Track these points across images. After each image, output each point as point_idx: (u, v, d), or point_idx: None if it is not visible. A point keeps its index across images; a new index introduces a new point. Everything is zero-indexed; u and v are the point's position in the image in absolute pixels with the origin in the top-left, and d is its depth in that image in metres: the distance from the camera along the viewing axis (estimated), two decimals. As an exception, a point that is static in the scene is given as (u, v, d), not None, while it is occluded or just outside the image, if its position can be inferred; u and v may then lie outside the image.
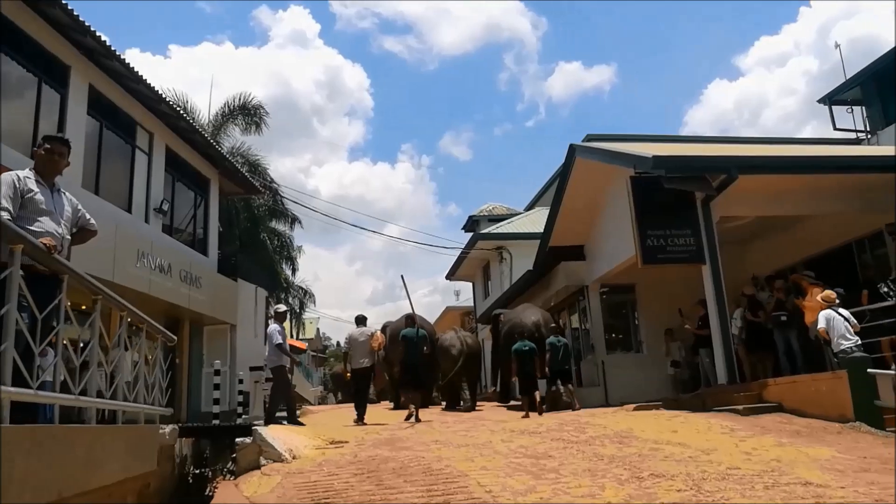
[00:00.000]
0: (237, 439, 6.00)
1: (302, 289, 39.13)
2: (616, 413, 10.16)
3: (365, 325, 11.91)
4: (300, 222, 33.42)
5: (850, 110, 22.76)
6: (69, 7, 10.83)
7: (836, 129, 22.82)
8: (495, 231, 26.07)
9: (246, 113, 27.38)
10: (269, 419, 9.92)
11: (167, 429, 5.43)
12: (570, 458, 6.43)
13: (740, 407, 9.15)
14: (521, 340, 13.20)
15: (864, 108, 21.65)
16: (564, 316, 19.12)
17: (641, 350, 16.52)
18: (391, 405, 18.30)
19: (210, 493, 6.10)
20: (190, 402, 16.46)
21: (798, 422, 8.42)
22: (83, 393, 3.94)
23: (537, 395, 12.63)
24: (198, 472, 6.40)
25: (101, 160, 13.01)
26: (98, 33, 11.56)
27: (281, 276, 34.13)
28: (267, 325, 22.59)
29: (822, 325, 9.23)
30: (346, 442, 8.28)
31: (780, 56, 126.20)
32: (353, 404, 11.98)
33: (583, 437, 7.68)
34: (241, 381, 13.64)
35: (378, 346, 11.52)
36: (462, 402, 17.11)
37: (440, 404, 17.08)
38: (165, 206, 14.84)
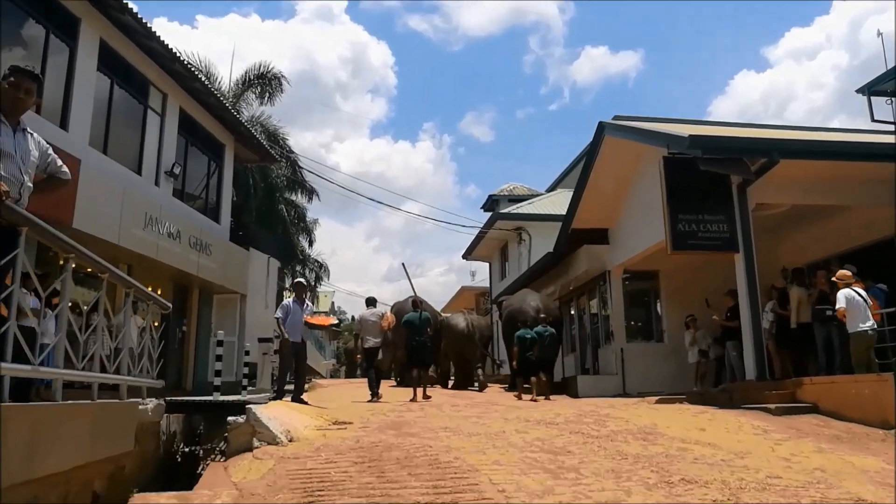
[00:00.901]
0: (229, 418, 5.52)
1: (318, 262, 38.87)
2: (638, 406, 9.59)
3: (375, 307, 12.16)
4: (318, 195, 33.01)
5: (890, 101, 21.77)
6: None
7: (874, 120, 21.80)
8: (515, 211, 25.41)
9: (265, 82, 26.87)
10: (280, 393, 9.84)
11: (150, 404, 4.94)
12: (590, 456, 5.89)
13: (772, 406, 8.55)
14: (524, 328, 13.72)
15: (905, 99, 20.61)
16: (584, 301, 18.54)
17: (663, 339, 15.93)
18: (395, 381, 18.26)
19: (201, 474, 5.64)
20: (197, 373, 16.12)
21: (836, 426, 7.81)
22: (47, 363, 3.44)
23: (536, 380, 13.11)
24: (188, 450, 5.94)
25: (110, 119, 12.56)
26: (109, -17, 11.06)
27: (297, 248, 33.82)
28: (280, 297, 22.33)
29: (841, 304, 8.75)
30: (350, 423, 7.79)
31: (811, 48, 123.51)
32: (360, 379, 12.33)
33: (604, 432, 7.13)
34: (247, 353, 13.21)
35: (388, 325, 11.66)
36: (476, 383, 16.93)
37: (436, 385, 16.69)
38: (177, 170, 14.39)
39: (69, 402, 3.47)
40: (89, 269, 5.12)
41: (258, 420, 5.53)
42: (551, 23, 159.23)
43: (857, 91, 22.24)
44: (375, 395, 11.37)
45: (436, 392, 13.83)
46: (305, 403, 9.28)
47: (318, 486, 4.69)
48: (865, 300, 8.72)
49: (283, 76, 27.07)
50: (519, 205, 26.43)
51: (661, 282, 16.02)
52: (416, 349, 12.24)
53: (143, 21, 12.18)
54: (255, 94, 27.13)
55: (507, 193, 29.93)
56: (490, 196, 30.40)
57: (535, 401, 12.20)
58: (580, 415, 8.39)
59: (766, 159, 9.94)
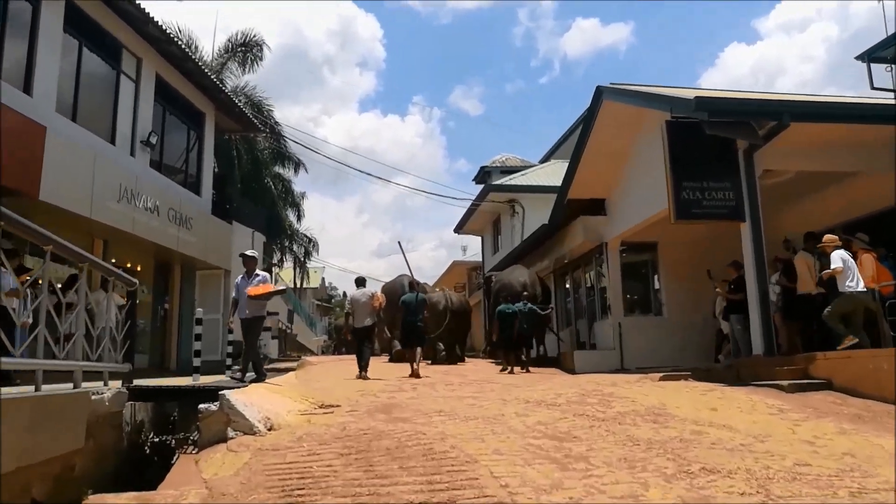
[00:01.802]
0: (200, 406, 4.94)
1: (307, 237, 38.20)
2: (642, 384, 9.10)
3: (365, 287, 12.13)
4: (305, 167, 32.31)
5: (889, 68, 21.20)
6: None
7: (873, 88, 21.25)
8: (508, 183, 24.76)
9: (246, 49, 26.01)
10: (248, 375, 9.19)
11: (106, 393, 4.37)
12: (599, 442, 5.38)
13: (784, 383, 8.07)
14: (505, 304, 14.41)
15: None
16: (580, 274, 18.03)
17: (662, 313, 15.46)
18: (387, 358, 17.89)
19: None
20: (181, 352, 15.57)
21: (854, 403, 7.35)
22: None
23: (515, 354, 13.76)
24: (158, 440, 5.39)
25: (79, 84, 11.81)
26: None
27: (285, 223, 33.12)
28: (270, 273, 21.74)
29: (837, 264, 8.68)
30: (338, 406, 7.26)
31: (802, 21, 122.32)
32: (350, 356, 12.87)
33: (610, 413, 6.63)
34: (230, 331, 12.63)
35: (379, 305, 11.67)
36: (442, 355, 17.38)
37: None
38: (154, 139, 13.67)
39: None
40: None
41: (232, 408, 4.97)
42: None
43: (857, 58, 21.57)
44: (364, 371, 11.32)
45: (428, 369, 13.47)
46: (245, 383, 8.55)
47: (299, 484, 4.16)
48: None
49: (265, 43, 26.20)
50: (512, 176, 25.76)
51: (659, 253, 15.52)
52: (411, 329, 12.46)
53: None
54: (238, 61, 26.28)
55: (499, 165, 29.20)
56: (482, 168, 29.66)
57: (511, 373, 12.90)
58: (582, 394, 7.89)
59: (776, 122, 9.37)
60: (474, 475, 4.34)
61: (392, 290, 16.84)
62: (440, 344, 17.65)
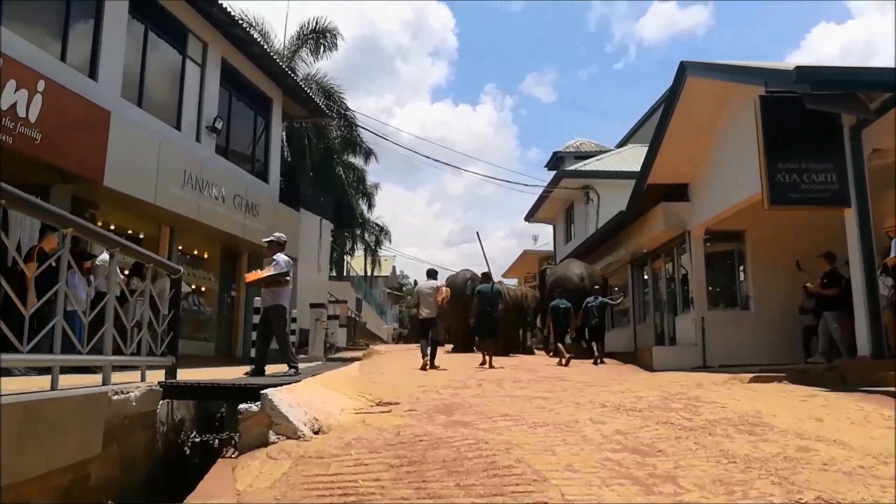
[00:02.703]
0: (240, 406, 4.48)
1: (378, 226, 38.20)
2: (730, 386, 8.25)
3: (434, 279, 12.47)
4: (375, 156, 32.22)
5: None
6: None
7: None
8: (582, 168, 23.80)
9: (318, 36, 25.89)
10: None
11: (133, 391, 3.95)
12: (687, 457, 4.66)
13: (900, 390, 7.09)
14: (559, 298, 15.01)
15: None
16: (659, 265, 17.04)
17: (748, 307, 14.35)
18: (450, 348, 17.94)
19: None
20: (247, 340, 15.48)
21: None
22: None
23: (564, 346, 14.00)
24: (199, 440, 4.98)
25: (145, 69, 11.71)
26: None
27: (356, 212, 33.12)
28: (340, 261, 21.51)
29: None
30: (396, 404, 6.76)
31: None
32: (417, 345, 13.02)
33: (697, 422, 5.87)
34: (294, 320, 12.38)
35: (442, 300, 11.89)
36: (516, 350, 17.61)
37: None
38: (219, 125, 13.51)
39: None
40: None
41: (275, 409, 4.50)
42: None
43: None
44: (429, 359, 11.53)
45: (497, 363, 12.98)
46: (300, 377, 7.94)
47: (340, 500, 3.64)
48: None
49: (337, 31, 26.03)
50: (586, 161, 24.78)
51: (747, 242, 14.41)
52: (486, 320, 12.90)
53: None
54: (310, 49, 26.22)
55: (573, 150, 28.18)
56: (555, 153, 28.68)
57: (566, 365, 13.01)
58: (665, 398, 7.13)
59: (891, 95, 8.30)
60: (543, 498, 3.72)
61: (453, 283, 16.84)
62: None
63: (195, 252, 14.35)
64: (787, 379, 8.80)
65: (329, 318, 17.57)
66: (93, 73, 10.35)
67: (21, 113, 8.46)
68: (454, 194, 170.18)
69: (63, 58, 9.82)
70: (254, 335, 9.61)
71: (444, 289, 12.24)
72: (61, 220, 3.45)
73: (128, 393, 3.86)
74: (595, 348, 14.54)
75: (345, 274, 36.32)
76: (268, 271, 8.74)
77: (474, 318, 13.53)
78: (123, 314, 4.54)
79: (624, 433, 5.36)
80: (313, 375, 7.77)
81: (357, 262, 42.32)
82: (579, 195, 23.78)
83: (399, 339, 33.27)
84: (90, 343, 3.78)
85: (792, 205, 9.54)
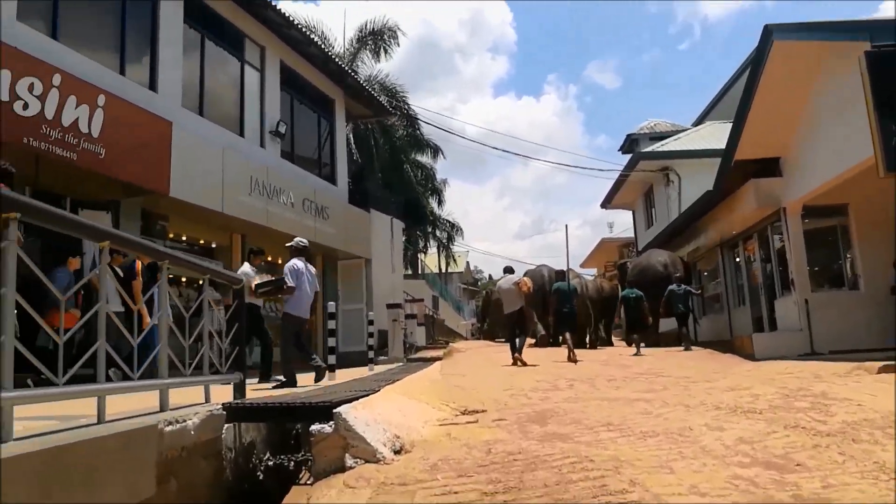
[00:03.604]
0: (312, 428, 3.99)
1: (449, 222, 37.76)
2: (857, 378, 7.29)
3: (512, 274, 12.38)
4: (442, 153, 31.87)
5: None
6: None
7: None
8: (660, 149, 22.61)
9: (378, 37, 25.64)
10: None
11: (192, 419, 3.48)
12: (836, 473, 3.86)
13: None
14: (629, 288, 15.53)
15: None
16: (752, 246, 15.87)
17: (857, 286, 13.11)
18: (533, 341, 17.10)
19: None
20: (326, 345, 15.21)
21: None
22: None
23: (638, 336, 14.36)
24: (272, 463, 4.54)
25: (204, 76, 11.51)
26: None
27: (427, 209, 32.80)
28: (415, 259, 21.19)
29: None
30: (483, 412, 6.18)
31: None
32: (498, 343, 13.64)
33: (833, 425, 5.01)
34: (370, 322, 11.99)
35: (527, 290, 11.62)
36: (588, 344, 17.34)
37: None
38: (283, 129, 13.24)
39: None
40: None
41: (350, 429, 3.99)
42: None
43: None
44: (518, 353, 11.32)
45: (585, 358, 12.30)
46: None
47: (427, 541, 3.07)
48: None
49: (398, 28, 25.69)
50: (663, 142, 23.54)
51: (852, 216, 13.17)
52: (566, 316, 13.09)
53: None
54: (371, 49, 25.99)
55: (647, 131, 26.90)
56: (628, 136, 27.45)
57: (639, 354, 13.11)
58: (786, 395, 6.28)
59: None
60: (671, 533, 3.05)
61: (533, 278, 16.19)
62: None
63: (269, 258, 14.17)
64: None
65: (407, 317, 17.18)
66: (152, 85, 10.19)
67: (84, 129, 8.31)
68: (522, 187, 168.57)
69: (122, 71, 9.68)
70: (331, 341, 9.17)
71: (525, 279, 12.16)
72: (94, 233, 3.02)
73: (185, 421, 3.41)
74: (679, 335, 15.07)
75: (419, 272, 36.09)
76: (257, 280, 8.33)
77: (553, 316, 14.06)
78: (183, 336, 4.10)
79: (749, 442, 4.59)
80: (392, 381, 7.28)
81: (431, 260, 42.08)
82: (658, 177, 22.63)
83: (479, 333, 32.70)
84: (139, 368, 3.34)
85: (912, 170, 8.45)
